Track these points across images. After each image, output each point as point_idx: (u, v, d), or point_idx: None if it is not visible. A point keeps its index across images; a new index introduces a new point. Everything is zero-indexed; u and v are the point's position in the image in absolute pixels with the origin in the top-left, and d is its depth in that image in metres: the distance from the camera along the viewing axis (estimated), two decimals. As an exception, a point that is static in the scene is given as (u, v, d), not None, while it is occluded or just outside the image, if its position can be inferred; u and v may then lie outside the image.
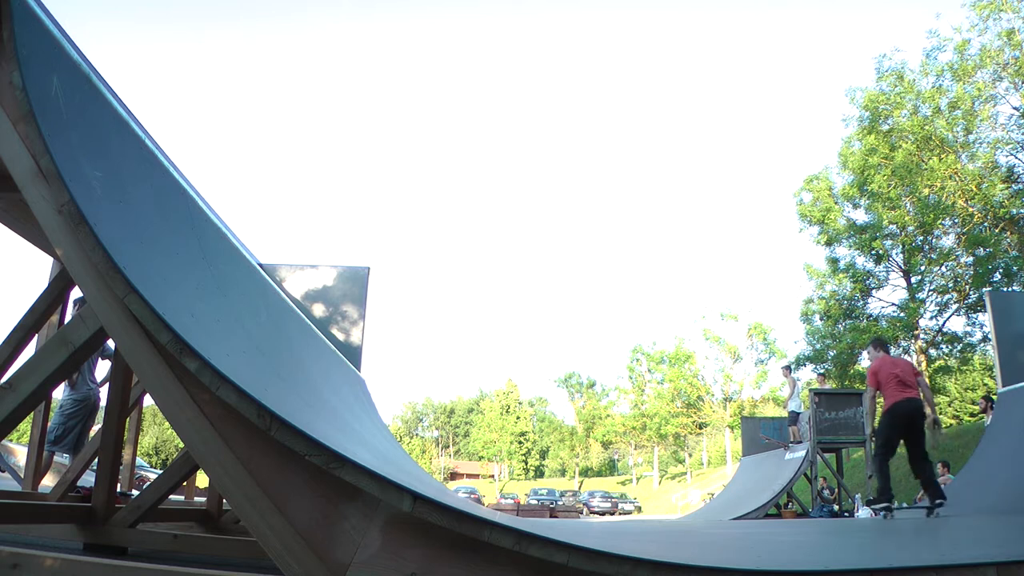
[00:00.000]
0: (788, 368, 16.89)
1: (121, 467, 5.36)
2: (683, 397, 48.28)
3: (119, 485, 4.63)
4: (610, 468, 77.56)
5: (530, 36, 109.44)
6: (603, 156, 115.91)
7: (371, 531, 2.24)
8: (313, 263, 8.30)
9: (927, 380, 6.60)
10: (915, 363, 26.43)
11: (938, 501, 5.99)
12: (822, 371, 23.28)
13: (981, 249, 21.35)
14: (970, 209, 21.69)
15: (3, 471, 8.81)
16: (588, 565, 2.08)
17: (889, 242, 24.47)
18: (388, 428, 9.45)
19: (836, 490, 15.12)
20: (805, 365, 26.66)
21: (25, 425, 6.06)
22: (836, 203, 26.00)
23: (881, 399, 6.55)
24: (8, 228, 4.62)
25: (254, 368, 3.06)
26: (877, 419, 6.60)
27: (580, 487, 60.15)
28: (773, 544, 3.69)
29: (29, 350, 3.70)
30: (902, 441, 6.44)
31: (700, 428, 50.99)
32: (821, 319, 26.72)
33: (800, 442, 14.68)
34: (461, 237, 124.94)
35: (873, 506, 6.33)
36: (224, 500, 5.23)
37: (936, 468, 13.65)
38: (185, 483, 7.54)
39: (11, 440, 12.71)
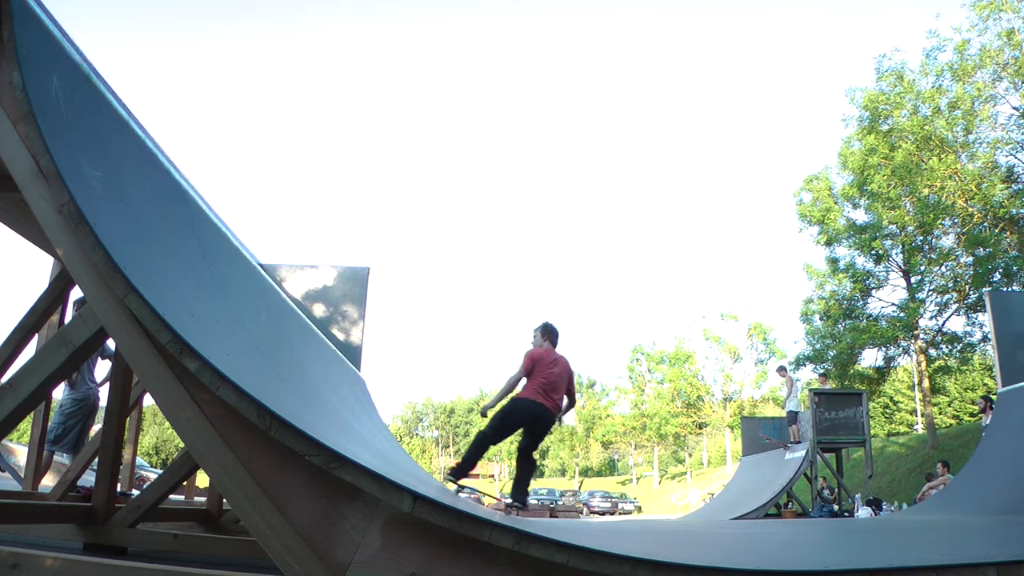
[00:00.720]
0: (784, 368, 16.90)
1: (121, 467, 5.36)
2: (683, 397, 48.27)
3: (119, 485, 4.63)
4: (610, 468, 77.55)
5: (530, 36, 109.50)
6: (603, 156, 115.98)
7: (371, 531, 2.24)
8: (313, 263, 8.30)
9: (576, 389, 6.16)
10: (916, 363, 26.46)
11: (517, 503, 5.60)
12: (823, 371, 23.26)
13: (981, 249, 21.34)
14: (970, 209, 21.69)
15: (3, 471, 8.81)
16: (588, 565, 2.09)
17: (889, 242, 24.46)
18: (388, 428, 9.45)
19: (836, 490, 15.13)
20: (805, 365, 26.64)
21: (25, 425, 6.06)
22: (836, 203, 25.99)
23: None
24: (8, 228, 4.62)
25: (254, 368, 3.06)
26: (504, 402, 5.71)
27: (580, 487, 60.15)
28: (773, 544, 3.69)
29: (29, 350, 3.71)
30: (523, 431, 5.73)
31: (700, 428, 50.99)
32: (821, 319, 26.70)
33: (800, 442, 14.68)
34: (461, 237, 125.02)
35: (448, 477, 5.66)
36: (224, 500, 5.23)
37: (936, 468, 13.68)
38: (185, 483, 7.55)
39: (11, 440, 12.71)
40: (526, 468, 5.76)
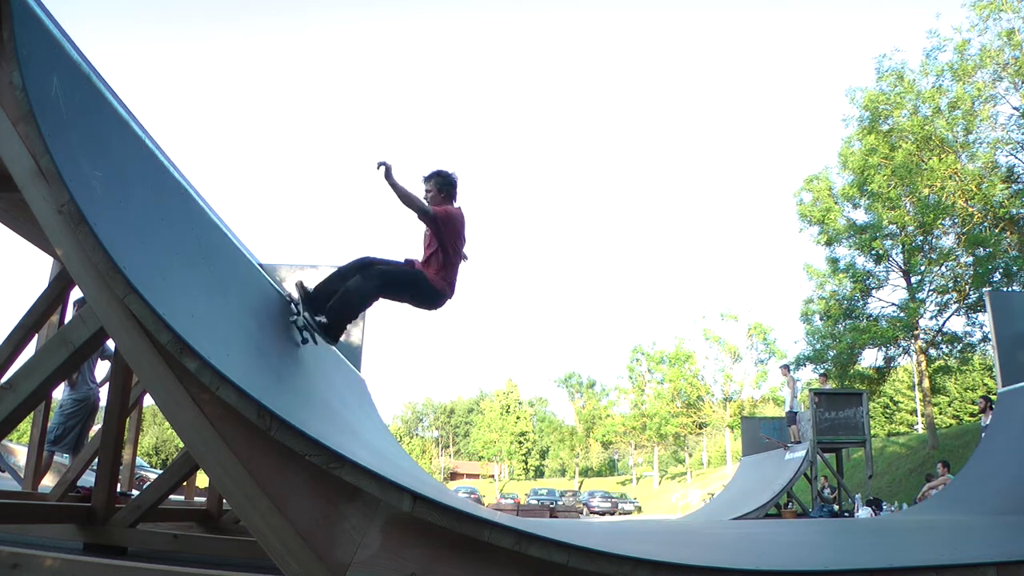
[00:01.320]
0: (787, 367, 16.88)
1: (121, 467, 5.36)
2: (683, 397, 48.27)
3: (119, 485, 4.63)
4: (610, 468, 77.52)
5: (530, 36, 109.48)
6: (603, 156, 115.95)
7: (371, 531, 2.24)
8: (313, 263, 8.31)
9: None
10: (916, 363, 26.43)
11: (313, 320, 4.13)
12: (823, 371, 23.26)
13: (981, 249, 21.34)
14: (970, 209, 21.68)
15: (3, 471, 8.81)
16: (588, 565, 2.08)
17: (889, 242, 24.45)
18: (388, 428, 9.45)
19: (836, 490, 15.13)
20: (805, 365, 26.65)
21: (25, 425, 6.06)
22: (836, 203, 25.98)
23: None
24: (8, 228, 4.62)
25: (254, 368, 3.06)
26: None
27: (580, 487, 60.13)
28: (773, 544, 3.69)
29: (29, 350, 3.71)
30: None
31: (700, 428, 50.99)
32: (821, 319, 26.69)
33: (800, 442, 14.68)
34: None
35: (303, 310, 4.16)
36: (224, 500, 5.23)
37: (936, 468, 13.67)
38: (185, 483, 7.54)
39: (11, 440, 12.71)
40: (355, 304, 4.06)
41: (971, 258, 22.20)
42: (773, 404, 43.87)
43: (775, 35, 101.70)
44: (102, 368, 6.42)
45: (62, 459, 6.49)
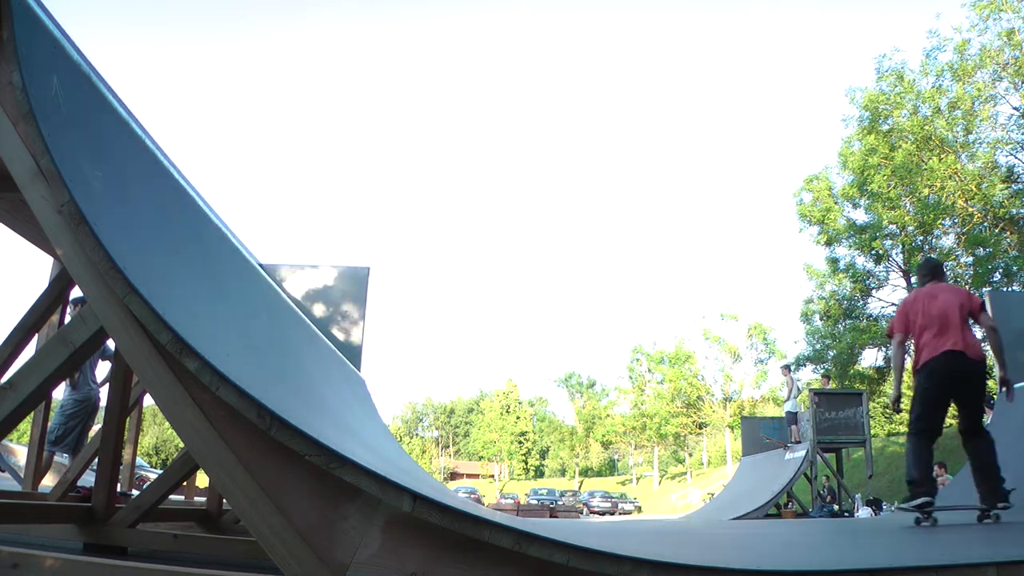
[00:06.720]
0: (788, 367, 16.88)
1: (121, 467, 5.36)
2: (683, 397, 48.29)
3: (119, 485, 4.63)
4: (610, 468, 77.52)
5: (530, 36, 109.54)
6: (603, 156, 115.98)
7: (371, 531, 2.24)
8: (313, 263, 8.30)
9: (991, 319, 4.38)
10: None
11: (1001, 504, 4.22)
12: (824, 372, 23.27)
13: (981, 249, 21.35)
14: (970, 209, 21.69)
15: (3, 471, 8.81)
16: (588, 565, 2.08)
17: (889, 242, 24.46)
18: (388, 428, 9.45)
19: (836, 490, 15.14)
20: (805, 365, 26.68)
21: (25, 425, 6.06)
22: (836, 203, 26.00)
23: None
24: (8, 228, 4.62)
25: (254, 368, 3.06)
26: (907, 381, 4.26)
27: (580, 487, 60.14)
28: (773, 544, 3.69)
29: (29, 350, 3.71)
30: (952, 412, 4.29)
31: (700, 428, 51.00)
32: (821, 319, 26.72)
33: (800, 442, 14.69)
34: (461, 237, 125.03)
35: (907, 504, 4.32)
36: (224, 500, 5.23)
37: (934, 469, 13.68)
38: (185, 483, 7.54)
39: (11, 440, 12.71)
40: (981, 452, 4.41)
41: (971, 258, 22.21)
42: (773, 404, 43.89)
43: (775, 35, 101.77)
44: (102, 368, 6.43)
45: (62, 459, 6.50)
